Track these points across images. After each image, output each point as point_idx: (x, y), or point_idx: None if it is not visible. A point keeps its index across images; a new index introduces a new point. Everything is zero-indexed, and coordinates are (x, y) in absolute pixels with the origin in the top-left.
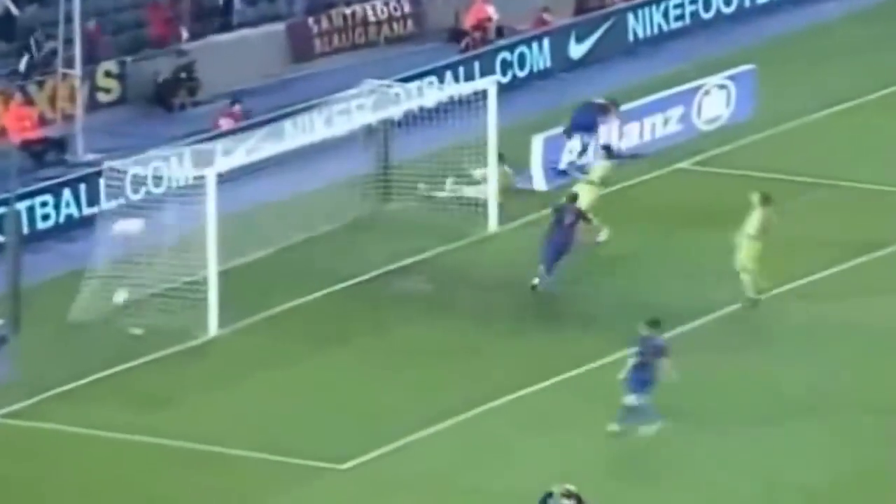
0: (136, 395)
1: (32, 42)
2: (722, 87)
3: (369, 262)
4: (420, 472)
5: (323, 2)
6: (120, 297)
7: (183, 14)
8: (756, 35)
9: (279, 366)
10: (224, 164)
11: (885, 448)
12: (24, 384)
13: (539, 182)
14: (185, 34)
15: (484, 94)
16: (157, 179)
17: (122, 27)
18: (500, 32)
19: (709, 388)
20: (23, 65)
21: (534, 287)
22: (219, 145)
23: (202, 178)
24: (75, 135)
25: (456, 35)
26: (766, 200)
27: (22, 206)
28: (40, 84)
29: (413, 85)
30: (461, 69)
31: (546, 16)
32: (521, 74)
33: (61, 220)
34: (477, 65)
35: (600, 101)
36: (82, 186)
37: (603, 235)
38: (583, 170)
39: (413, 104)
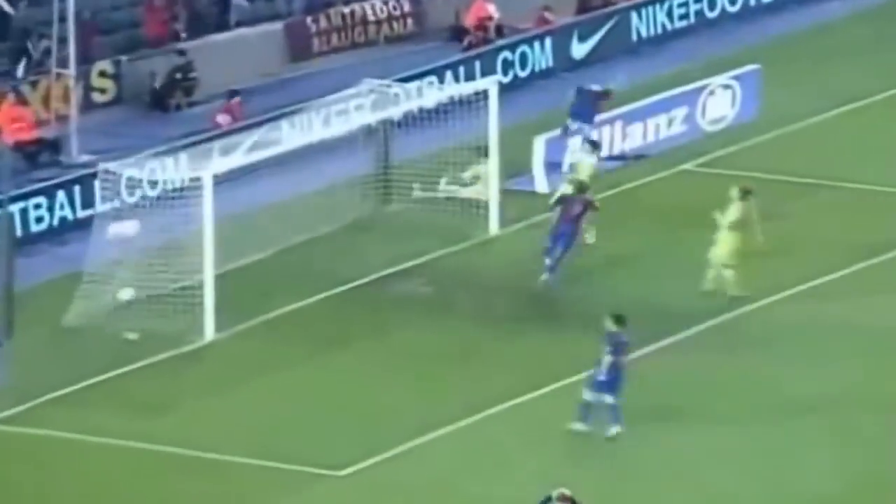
0: (131, 400)
1: (30, 45)
2: (727, 87)
3: (369, 264)
4: (419, 479)
5: (321, 0)
6: (125, 294)
7: (179, 13)
8: (761, 34)
9: (277, 370)
10: (221, 165)
11: (887, 448)
12: (17, 389)
13: (541, 184)
14: (182, 33)
15: (485, 94)
16: (153, 181)
17: (117, 26)
18: (499, 31)
19: (710, 388)
20: (20, 70)
21: (543, 281)
22: (216, 146)
23: (198, 179)
24: (70, 136)
25: (457, 33)
26: (745, 194)
27: (15, 207)
28: (34, 84)
29: (413, 85)
30: (462, 69)
31: (548, 15)
32: (522, 74)
33: (55, 222)
34: (478, 64)
35: (596, 87)
36: (77, 188)
37: (591, 238)
38: (571, 168)
39: (413, 104)
